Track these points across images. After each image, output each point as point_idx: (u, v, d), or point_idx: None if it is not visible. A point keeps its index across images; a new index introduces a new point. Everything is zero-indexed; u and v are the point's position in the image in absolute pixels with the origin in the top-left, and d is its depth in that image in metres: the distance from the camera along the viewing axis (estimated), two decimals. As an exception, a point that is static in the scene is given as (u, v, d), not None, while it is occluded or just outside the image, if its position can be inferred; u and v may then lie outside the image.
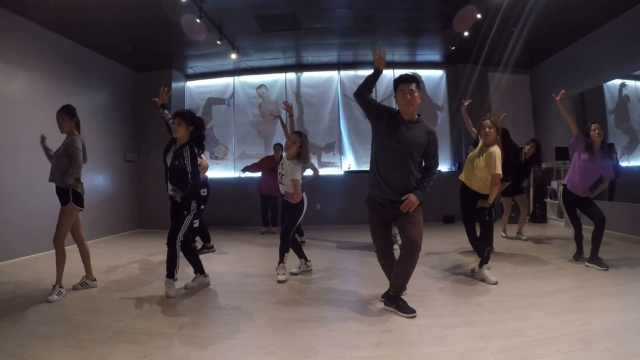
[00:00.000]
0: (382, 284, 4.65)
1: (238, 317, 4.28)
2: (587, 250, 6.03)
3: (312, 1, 8.01)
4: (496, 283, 5.14)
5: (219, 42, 9.07)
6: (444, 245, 8.05)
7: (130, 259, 7.18)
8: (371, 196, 4.26)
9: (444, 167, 11.81)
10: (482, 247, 5.43)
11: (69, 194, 5.08)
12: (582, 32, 9.37)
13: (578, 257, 6.22)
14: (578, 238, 6.28)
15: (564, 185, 6.05)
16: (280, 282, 5.52)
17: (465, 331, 3.75)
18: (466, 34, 9.17)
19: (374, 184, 4.22)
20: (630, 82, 7.52)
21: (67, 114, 5.19)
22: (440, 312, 4.29)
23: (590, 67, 9.42)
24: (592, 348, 3.28)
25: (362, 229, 9.50)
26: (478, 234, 5.73)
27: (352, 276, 6.10)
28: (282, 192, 5.83)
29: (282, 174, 5.73)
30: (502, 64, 11.11)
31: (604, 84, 8.92)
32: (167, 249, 5.00)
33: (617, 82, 8.65)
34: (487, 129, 5.43)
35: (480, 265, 5.39)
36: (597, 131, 5.78)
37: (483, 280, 5.29)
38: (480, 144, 5.61)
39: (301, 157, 5.66)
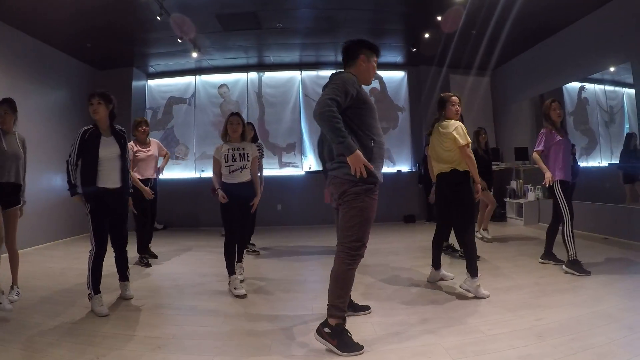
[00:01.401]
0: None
1: (193, 318, 4.23)
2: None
3: (274, 1, 7.97)
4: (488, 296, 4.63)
5: (179, 41, 8.94)
6: (403, 244, 8.06)
7: (86, 261, 6.91)
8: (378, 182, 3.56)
9: (404, 167, 11.90)
10: (471, 251, 4.84)
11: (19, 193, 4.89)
12: (541, 36, 9.58)
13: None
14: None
15: (561, 181, 5.71)
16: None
17: (420, 328, 3.75)
18: (427, 35, 9.22)
19: (379, 166, 3.55)
20: (589, 86, 7.66)
21: (10, 107, 4.77)
22: (395, 310, 4.28)
23: (549, 70, 9.63)
24: (545, 343, 3.31)
25: (323, 229, 9.53)
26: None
27: (309, 275, 6.08)
28: (237, 181, 5.23)
29: (241, 155, 5.26)
30: (464, 66, 11.23)
31: (563, 87, 9.06)
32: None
33: (577, 85, 8.81)
34: (458, 106, 5.13)
35: (471, 273, 4.73)
36: (557, 111, 5.72)
37: (474, 294, 4.66)
38: (434, 128, 5.19)
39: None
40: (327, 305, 3.38)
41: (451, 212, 5.06)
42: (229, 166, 5.17)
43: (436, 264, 5.26)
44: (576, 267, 5.35)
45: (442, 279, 5.27)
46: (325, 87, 3.55)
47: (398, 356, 3.21)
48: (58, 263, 6.78)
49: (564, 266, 5.50)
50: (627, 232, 7.36)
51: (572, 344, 3.23)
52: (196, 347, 3.47)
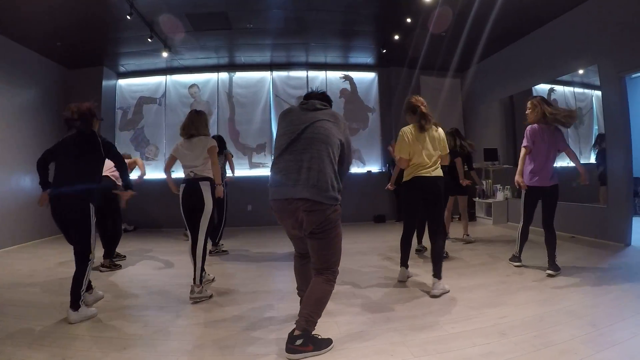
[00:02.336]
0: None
1: (160, 318, 4.19)
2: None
3: (244, 1, 7.95)
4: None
5: (149, 40, 8.87)
6: (372, 244, 8.08)
7: (55, 263, 6.89)
8: None
9: (374, 167, 11.98)
10: (440, 253, 4.88)
11: None
12: (511, 39, 9.73)
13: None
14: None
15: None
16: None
17: (384, 327, 3.77)
18: (396, 37, 9.25)
19: None
20: (558, 87, 7.74)
21: None
22: (359, 309, 4.30)
23: (519, 72, 9.78)
24: (507, 340, 3.36)
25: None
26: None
27: (277, 276, 6.07)
28: (190, 175, 5.05)
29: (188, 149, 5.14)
30: (434, 67, 11.31)
31: (533, 88, 9.17)
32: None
33: (546, 86, 8.92)
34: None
35: (439, 275, 4.74)
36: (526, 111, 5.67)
37: (438, 296, 4.65)
38: (415, 128, 4.99)
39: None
40: (304, 320, 3.28)
41: (427, 212, 4.97)
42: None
43: (405, 263, 5.28)
44: (513, 259, 5.77)
45: (409, 277, 5.30)
46: (310, 97, 3.71)
47: (361, 354, 3.23)
48: (26, 266, 6.66)
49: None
50: (593, 230, 7.54)
51: (535, 341, 3.28)
52: (161, 348, 3.45)
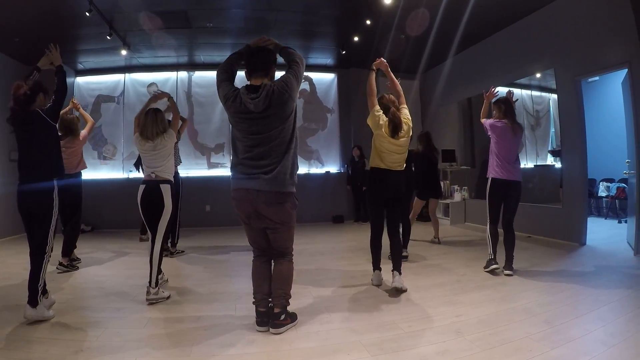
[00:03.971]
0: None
1: (117, 320, 4.13)
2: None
3: (204, 0, 7.89)
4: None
5: (108, 38, 8.72)
6: (331, 244, 8.11)
7: (12, 265, 6.72)
8: None
9: (332, 168, 12.01)
10: (401, 248, 5.13)
11: None
12: (470, 42, 9.89)
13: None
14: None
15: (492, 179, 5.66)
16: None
17: (340, 326, 3.80)
18: (356, 38, 9.28)
19: None
20: (516, 90, 7.84)
21: None
22: (316, 308, 4.31)
23: (477, 75, 9.98)
24: (462, 338, 3.42)
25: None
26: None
27: (234, 276, 6.05)
28: (152, 177, 4.94)
29: (152, 150, 4.98)
30: (394, 69, 11.30)
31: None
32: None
33: (504, 89, 9.01)
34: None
35: (399, 269, 4.88)
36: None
37: (400, 289, 4.73)
38: (383, 116, 5.00)
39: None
40: (282, 297, 3.72)
41: (396, 210, 5.03)
42: None
43: (378, 265, 5.19)
44: (489, 264, 5.57)
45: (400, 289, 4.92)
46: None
47: (318, 353, 3.24)
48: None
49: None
50: (550, 230, 7.72)
51: (490, 339, 3.35)
52: (118, 349, 3.40)
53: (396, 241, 4.93)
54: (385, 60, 5.18)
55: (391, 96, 5.15)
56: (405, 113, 5.04)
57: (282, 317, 3.67)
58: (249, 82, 3.59)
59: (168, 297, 4.74)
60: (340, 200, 11.54)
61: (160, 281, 4.89)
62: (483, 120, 5.80)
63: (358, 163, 11.06)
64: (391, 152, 4.90)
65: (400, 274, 4.82)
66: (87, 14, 7.41)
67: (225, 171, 11.48)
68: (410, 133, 5.01)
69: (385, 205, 4.99)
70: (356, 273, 5.72)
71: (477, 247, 7.10)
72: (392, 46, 9.71)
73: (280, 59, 3.74)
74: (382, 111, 4.96)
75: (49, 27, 8.44)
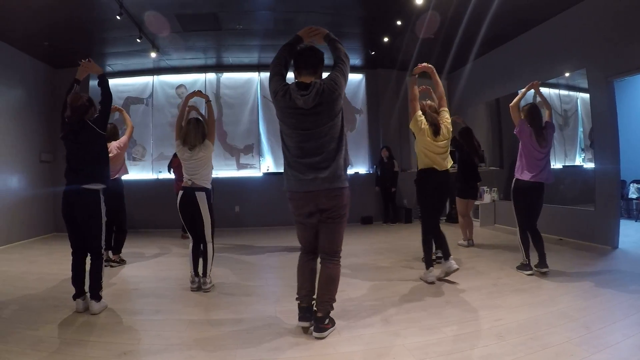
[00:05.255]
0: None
1: (156, 322, 4.17)
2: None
3: (234, 2, 7.95)
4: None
5: (138, 40, 8.81)
6: (362, 245, 8.11)
7: (45, 265, 6.84)
8: None
9: (361, 169, 12.06)
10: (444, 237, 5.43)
11: None
12: (499, 41, 9.79)
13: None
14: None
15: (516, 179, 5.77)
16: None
17: (382, 330, 3.80)
18: (386, 39, 9.31)
19: None
20: (544, 90, 7.81)
21: None
22: (356, 311, 4.32)
23: (505, 75, 9.88)
24: (505, 342, 3.40)
25: (281, 231, 9.50)
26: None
27: (270, 278, 6.11)
28: (189, 185, 5.20)
29: (190, 159, 5.21)
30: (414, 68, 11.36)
31: (519, 91, 9.20)
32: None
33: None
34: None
35: (448, 257, 5.28)
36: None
37: (450, 271, 5.22)
38: (425, 121, 5.22)
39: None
40: (327, 303, 3.76)
41: (443, 206, 5.57)
42: None
43: (432, 262, 5.37)
44: (523, 268, 5.60)
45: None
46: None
47: (363, 357, 3.26)
48: (15, 267, 6.62)
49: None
50: (581, 233, 7.60)
51: (531, 343, 3.33)
52: (162, 352, 3.43)
53: (442, 234, 5.36)
54: (428, 64, 5.35)
55: (428, 102, 5.34)
56: (445, 116, 5.24)
57: (326, 321, 3.71)
58: (297, 80, 3.62)
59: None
60: (369, 202, 11.53)
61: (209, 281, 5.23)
62: (514, 112, 5.82)
63: (387, 164, 11.07)
64: (434, 153, 5.16)
65: (446, 259, 5.24)
66: (118, 17, 7.51)
67: (254, 172, 11.62)
68: (450, 135, 5.22)
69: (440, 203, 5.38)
70: (392, 275, 5.73)
71: (509, 250, 7.03)
72: (420, 47, 9.74)
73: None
74: (424, 116, 5.18)
75: (78, 30, 8.59)
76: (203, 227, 5.16)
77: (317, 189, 3.53)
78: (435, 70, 5.42)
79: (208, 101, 5.56)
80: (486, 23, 8.32)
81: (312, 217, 3.71)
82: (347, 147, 3.72)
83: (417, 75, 5.37)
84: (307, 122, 3.49)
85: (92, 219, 4.45)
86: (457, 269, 5.17)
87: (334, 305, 3.82)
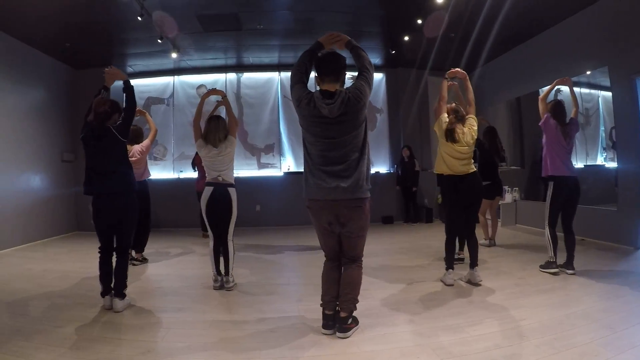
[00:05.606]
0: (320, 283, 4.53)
1: (180, 320, 4.20)
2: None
3: (254, 2, 7.98)
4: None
5: (159, 41, 8.89)
6: (383, 245, 8.09)
7: (67, 262, 6.95)
8: None
9: (382, 168, 12.03)
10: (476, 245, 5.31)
11: None
12: (519, 40, 9.74)
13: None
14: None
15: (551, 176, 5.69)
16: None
17: (406, 329, 3.81)
18: (406, 38, 9.31)
19: None
20: (565, 88, 7.75)
21: None
22: (380, 311, 4.33)
23: (526, 74, 9.79)
24: (528, 342, 3.39)
25: (302, 230, 9.53)
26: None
27: (291, 277, 6.15)
28: (219, 181, 5.22)
29: (217, 156, 5.22)
30: (442, 68, 11.30)
31: (540, 90, 9.17)
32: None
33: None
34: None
35: (474, 266, 5.21)
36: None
37: (473, 281, 5.17)
38: (447, 122, 5.22)
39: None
40: (351, 303, 3.74)
41: (473, 210, 5.37)
42: None
43: (452, 265, 5.34)
44: (548, 266, 5.58)
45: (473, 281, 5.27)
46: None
47: (387, 356, 3.26)
48: (37, 265, 6.70)
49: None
50: (603, 233, 7.53)
51: (555, 344, 3.32)
52: (186, 351, 3.45)
53: (473, 239, 5.27)
54: (461, 70, 5.33)
55: (453, 104, 5.35)
56: (472, 123, 5.18)
57: (350, 321, 3.70)
58: (319, 88, 3.57)
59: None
60: (389, 201, 11.50)
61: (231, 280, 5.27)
62: (542, 104, 5.85)
63: (408, 163, 11.06)
64: (454, 159, 5.12)
65: (472, 268, 5.20)
66: (139, 18, 7.58)
67: (275, 171, 11.68)
68: (474, 142, 5.17)
69: (463, 207, 5.27)
70: (413, 275, 5.73)
71: (531, 250, 7.01)
72: (440, 45, 9.72)
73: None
74: (449, 119, 5.17)
75: (98, 32, 8.70)
76: (229, 223, 5.21)
77: (338, 198, 3.48)
78: (467, 77, 5.41)
79: (224, 97, 5.61)
80: (505, 21, 8.27)
81: (332, 226, 3.66)
82: (370, 156, 3.70)
83: (449, 78, 5.35)
84: (331, 130, 3.45)
85: (126, 220, 4.55)
86: (480, 284, 5.10)
87: (357, 305, 3.82)
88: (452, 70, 5.31)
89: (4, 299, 4.84)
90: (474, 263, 5.20)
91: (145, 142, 6.71)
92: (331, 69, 3.56)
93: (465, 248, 5.69)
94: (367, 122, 3.65)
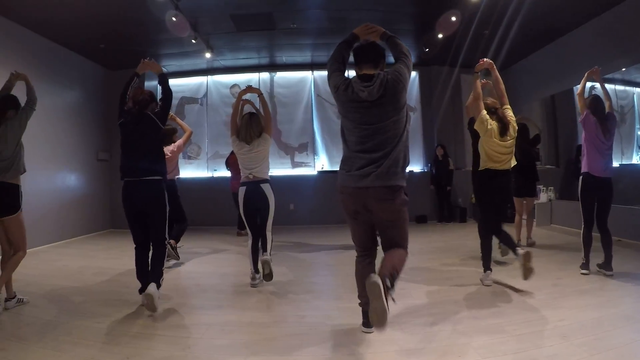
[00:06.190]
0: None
1: (219, 317, 4.25)
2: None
3: (288, 1, 8.04)
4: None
5: (193, 41, 9.00)
6: (418, 244, 8.02)
7: (103, 259, 7.09)
8: None
9: (416, 167, 12.01)
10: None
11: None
12: (552, 37, 9.61)
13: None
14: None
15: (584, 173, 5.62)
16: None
17: (446, 328, 3.80)
18: (440, 36, 9.29)
19: None
20: (599, 85, 7.69)
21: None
22: (418, 309, 4.35)
23: (560, 71, 9.64)
24: (569, 343, 3.35)
25: (336, 229, 9.55)
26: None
27: (327, 276, 6.19)
28: (250, 179, 5.27)
29: (249, 152, 5.27)
30: (474, 66, 11.25)
31: (574, 87, 9.07)
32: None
33: (587, 84, 8.83)
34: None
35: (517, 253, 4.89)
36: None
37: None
38: (491, 121, 5.14)
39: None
40: (389, 271, 3.08)
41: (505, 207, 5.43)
42: None
43: (489, 266, 5.31)
44: (581, 266, 5.54)
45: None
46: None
47: (428, 355, 3.27)
48: (74, 261, 6.86)
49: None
50: (639, 233, 7.41)
51: (596, 344, 3.28)
52: (227, 347, 3.49)
53: (504, 234, 5.20)
54: (488, 60, 5.24)
55: (490, 99, 5.31)
56: (510, 114, 5.13)
57: (387, 281, 3.03)
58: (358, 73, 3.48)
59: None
60: (423, 200, 11.46)
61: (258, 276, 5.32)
62: (580, 100, 5.85)
63: (442, 162, 11.03)
64: (500, 154, 5.04)
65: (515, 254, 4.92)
66: (174, 18, 7.68)
67: (309, 170, 11.76)
68: (515, 134, 5.11)
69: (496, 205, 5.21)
70: (451, 274, 5.74)
71: (568, 250, 6.91)
72: (474, 42, 9.64)
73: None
74: (488, 115, 5.09)
75: (133, 33, 8.86)
76: (267, 217, 5.29)
77: (370, 186, 3.30)
78: (495, 66, 5.30)
79: (260, 94, 5.65)
80: (540, 17, 8.18)
81: (359, 216, 3.49)
82: (408, 144, 3.54)
83: (479, 73, 5.26)
84: (370, 115, 3.35)
85: (156, 209, 4.55)
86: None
87: (392, 302, 3.31)
88: (479, 63, 5.23)
89: (43, 295, 4.94)
90: (514, 248, 5.01)
91: (180, 142, 6.82)
92: (370, 57, 3.50)
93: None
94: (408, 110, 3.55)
